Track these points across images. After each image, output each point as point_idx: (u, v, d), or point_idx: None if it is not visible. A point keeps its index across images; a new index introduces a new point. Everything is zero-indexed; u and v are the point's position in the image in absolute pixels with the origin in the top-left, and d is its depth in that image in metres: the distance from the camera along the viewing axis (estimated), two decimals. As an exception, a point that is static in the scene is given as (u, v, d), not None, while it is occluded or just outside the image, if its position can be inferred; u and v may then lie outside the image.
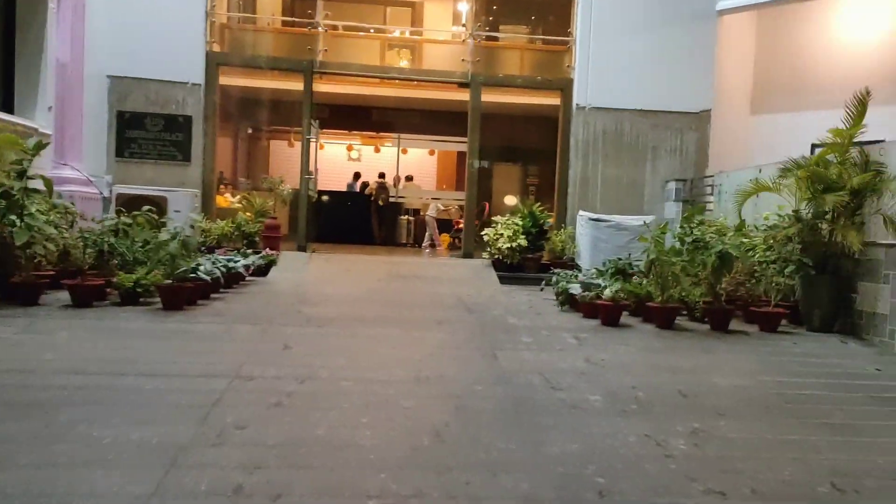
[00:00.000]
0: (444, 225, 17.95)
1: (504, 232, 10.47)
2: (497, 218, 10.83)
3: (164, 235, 6.17)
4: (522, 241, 10.43)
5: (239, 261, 8.32)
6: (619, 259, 7.82)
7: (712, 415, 3.95)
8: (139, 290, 6.36)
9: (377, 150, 21.03)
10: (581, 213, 10.79)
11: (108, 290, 6.47)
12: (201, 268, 7.06)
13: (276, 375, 4.33)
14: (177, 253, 6.10)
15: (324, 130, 13.42)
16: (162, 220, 7.05)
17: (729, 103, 11.26)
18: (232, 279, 8.09)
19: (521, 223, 10.62)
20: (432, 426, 3.54)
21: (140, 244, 6.93)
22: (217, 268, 7.37)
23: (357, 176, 19.09)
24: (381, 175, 18.38)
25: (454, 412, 3.80)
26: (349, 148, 21.18)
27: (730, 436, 3.63)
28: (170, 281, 6.33)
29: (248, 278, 8.99)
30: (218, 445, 3.15)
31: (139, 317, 5.86)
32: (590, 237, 10.38)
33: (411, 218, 17.52)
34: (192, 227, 6.59)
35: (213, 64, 11.07)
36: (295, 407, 3.76)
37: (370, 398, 3.97)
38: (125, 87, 10.83)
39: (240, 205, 11.50)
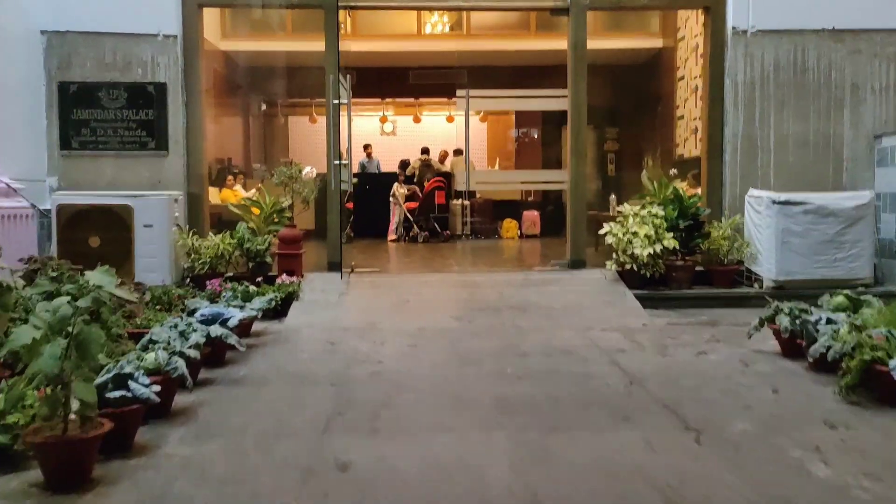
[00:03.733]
0: (508, 209, 14.42)
1: (639, 230, 6.86)
2: (624, 207, 7.21)
3: (24, 332, 2.65)
4: (670, 243, 6.82)
5: (232, 315, 4.86)
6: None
7: None
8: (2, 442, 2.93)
9: (416, 121, 17.46)
10: (753, 192, 7.14)
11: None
12: (148, 361, 3.61)
13: None
14: (52, 369, 2.63)
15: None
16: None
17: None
18: (220, 349, 4.68)
19: (662, 214, 7.01)
20: None
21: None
22: (182, 351, 3.89)
23: (368, 151, 15.47)
24: (425, 151, 14.87)
25: None
26: (382, 119, 17.64)
27: None
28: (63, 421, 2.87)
29: (255, 327, 5.66)
30: None
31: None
32: (775, 230, 6.73)
33: (466, 202, 13.93)
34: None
35: (193, 5, 7.55)
36: None
37: None
38: (68, 47, 7.36)
39: (252, 200, 7.97)
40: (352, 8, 7.70)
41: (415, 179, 14.10)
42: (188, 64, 7.49)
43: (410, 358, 4.96)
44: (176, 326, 4.30)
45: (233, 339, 4.46)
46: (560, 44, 12.61)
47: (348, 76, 7.34)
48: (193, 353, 3.91)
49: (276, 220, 7.61)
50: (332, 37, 7.26)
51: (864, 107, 7.36)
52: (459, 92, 7.71)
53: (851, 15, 7.29)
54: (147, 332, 4.38)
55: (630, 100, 14.66)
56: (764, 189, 7.20)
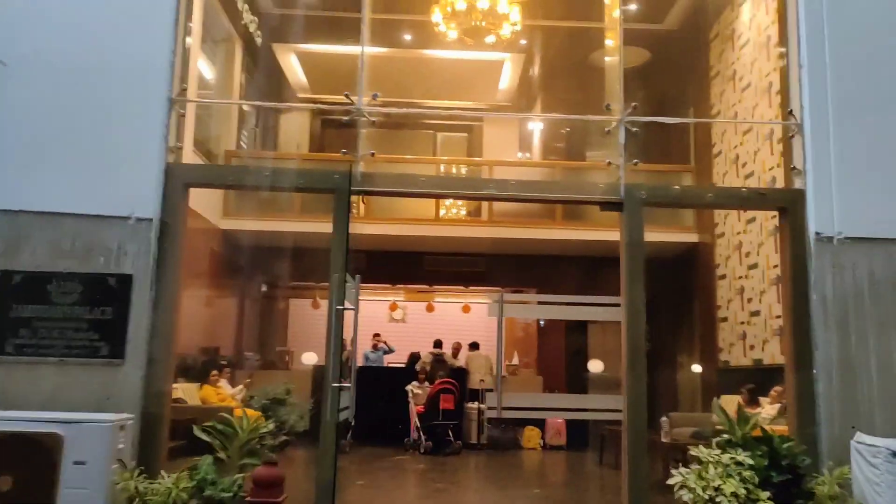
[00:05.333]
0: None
1: (724, 485, 5.22)
2: (701, 451, 5.61)
3: None
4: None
5: None
6: None
7: None
8: None
9: (430, 309, 16.22)
10: (864, 438, 5.55)
11: None
12: None
13: None
14: None
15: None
16: None
17: None
18: None
19: (751, 462, 5.39)
20: None
21: None
22: None
23: (376, 342, 14.13)
24: (437, 344, 13.47)
25: None
26: (392, 307, 16.44)
27: None
28: None
29: None
30: None
31: None
32: (894, 488, 5.10)
33: (482, 405, 12.28)
34: None
35: (178, 185, 6.37)
36: None
37: None
38: (19, 229, 6.08)
39: (225, 425, 6.32)
40: (366, 193, 6.56)
41: (425, 377, 12.58)
42: (163, 253, 6.19)
43: None
44: None
45: None
46: (587, 234, 11.70)
47: (357, 276, 6.04)
48: None
49: (255, 449, 6.02)
50: (341, 228, 6.03)
51: None
52: (492, 296, 6.36)
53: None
54: None
55: (660, 296, 13.44)
56: (866, 428, 5.64)
